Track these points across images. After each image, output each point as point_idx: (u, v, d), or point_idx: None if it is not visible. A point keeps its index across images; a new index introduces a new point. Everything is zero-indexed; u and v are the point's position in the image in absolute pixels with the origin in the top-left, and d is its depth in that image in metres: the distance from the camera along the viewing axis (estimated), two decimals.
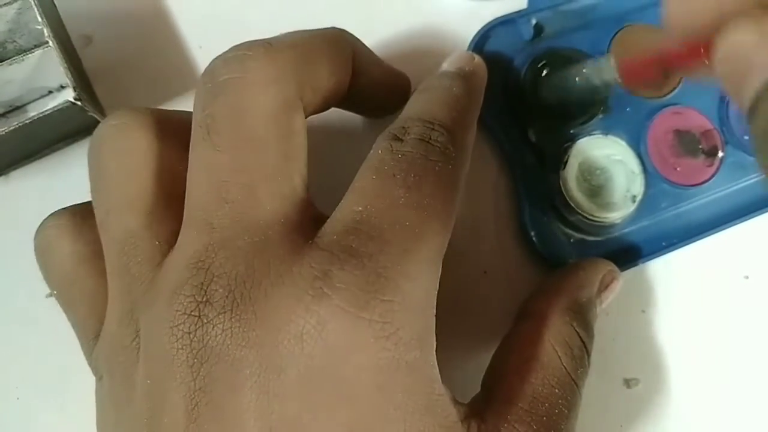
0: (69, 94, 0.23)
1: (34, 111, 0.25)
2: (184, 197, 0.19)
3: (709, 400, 0.26)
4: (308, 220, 0.18)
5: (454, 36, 0.27)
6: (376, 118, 0.23)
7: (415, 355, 0.17)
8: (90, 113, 0.24)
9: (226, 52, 0.19)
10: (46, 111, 0.22)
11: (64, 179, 0.25)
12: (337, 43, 0.21)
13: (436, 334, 0.18)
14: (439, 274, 0.18)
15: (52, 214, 0.21)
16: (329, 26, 0.21)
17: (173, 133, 0.20)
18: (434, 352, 0.18)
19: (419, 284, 0.18)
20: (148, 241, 0.19)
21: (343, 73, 0.21)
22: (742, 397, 0.26)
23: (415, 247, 0.18)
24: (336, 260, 0.17)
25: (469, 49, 0.26)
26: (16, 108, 0.26)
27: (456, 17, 0.27)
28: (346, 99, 0.21)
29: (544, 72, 0.26)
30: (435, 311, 0.18)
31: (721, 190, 0.26)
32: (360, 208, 0.18)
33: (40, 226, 0.21)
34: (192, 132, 0.19)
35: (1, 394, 0.24)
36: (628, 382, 0.26)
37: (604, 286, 0.24)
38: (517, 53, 0.26)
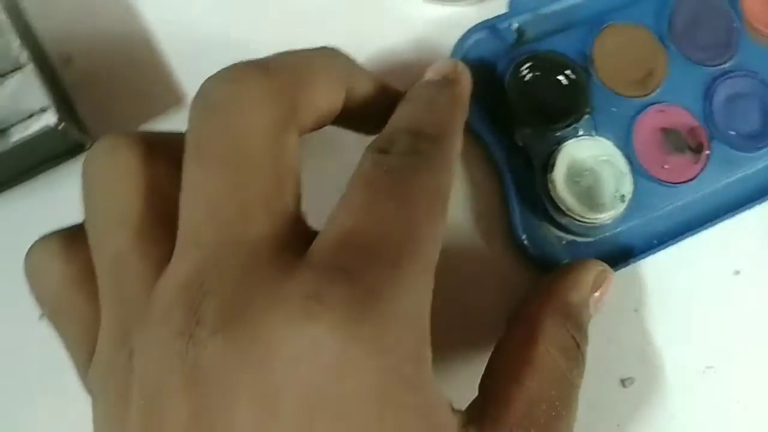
0: (50, 118, 0.23)
1: (16, 134, 0.24)
2: (177, 218, 0.18)
3: (703, 396, 0.26)
4: (300, 238, 0.18)
5: (436, 43, 0.27)
6: (370, 135, 0.23)
7: (411, 370, 0.17)
8: (72, 135, 0.24)
9: (220, 71, 0.19)
10: (27, 136, 0.22)
11: (49, 202, 0.25)
12: (331, 62, 0.21)
13: (431, 344, 0.18)
14: (432, 285, 0.18)
15: (41, 238, 0.21)
16: (322, 45, 0.21)
17: (166, 154, 0.20)
18: (430, 365, 0.18)
19: (412, 298, 0.17)
20: (140, 262, 0.18)
21: (337, 92, 0.20)
22: (736, 393, 0.26)
23: (406, 260, 0.17)
24: (325, 278, 0.17)
25: (451, 55, 0.26)
26: None
27: (437, 24, 0.27)
28: (340, 117, 0.21)
29: (528, 76, 0.26)
30: (429, 322, 0.18)
31: (710, 186, 0.27)
32: (349, 223, 0.18)
33: (29, 250, 0.21)
34: (184, 152, 0.19)
35: (2, 393, 0.24)
36: (623, 382, 0.26)
37: (597, 287, 0.24)
38: (499, 58, 0.26)
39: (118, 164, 0.19)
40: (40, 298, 0.20)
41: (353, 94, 0.21)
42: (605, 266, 0.24)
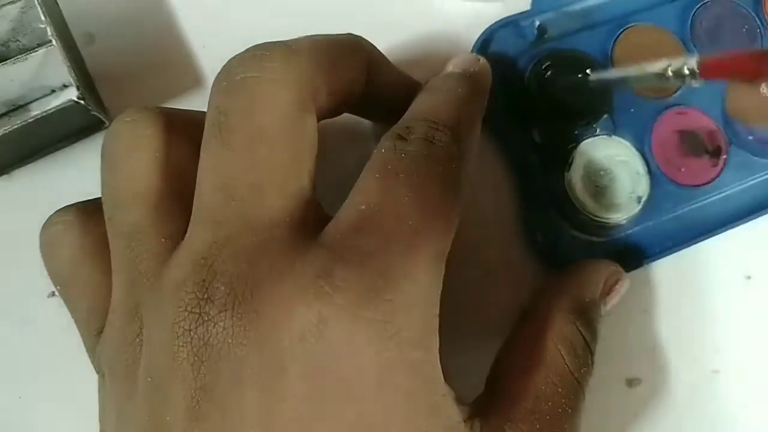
0: (72, 93, 0.23)
1: (36, 110, 0.25)
2: (193, 195, 0.19)
3: (710, 399, 0.26)
4: (314, 220, 0.18)
5: (458, 38, 0.27)
6: (387, 124, 0.24)
7: (417, 355, 0.17)
8: (93, 112, 0.24)
9: (244, 51, 0.19)
10: (48, 110, 0.22)
11: (67, 178, 0.25)
12: (354, 49, 0.21)
13: (440, 334, 0.18)
14: (443, 273, 0.18)
15: (58, 210, 0.21)
16: (346, 33, 0.21)
17: (186, 132, 0.20)
18: (437, 352, 0.18)
19: (422, 284, 0.18)
20: (154, 237, 0.18)
21: (358, 78, 0.21)
22: (744, 397, 0.26)
23: (419, 247, 0.18)
24: (338, 258, 0.17)
25: (472, 51, 0.26)
26: (18, 107, 0.26)
27: (459, 19, 0.27)
28: (359, 104, 0.21)
29: (548, 73, 0.26)
30: (438, 311, 0.18)
31: (726, 190, 0.26)
32: (363, 207, 0.18)
33: (46, 222, 0.21)
34: (204, 129, 0.19)
35: (2, 392, 0.24)
36: (630, 382, 0.26)
37: (609, 288, 0.24)
38: (520, 55, 0.26)
39: (139, 138, 0.19)
40: (53, 271, 0.21)
41: (373, 82, 0.21)
42: (618, 267, 0.24)
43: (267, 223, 0.17)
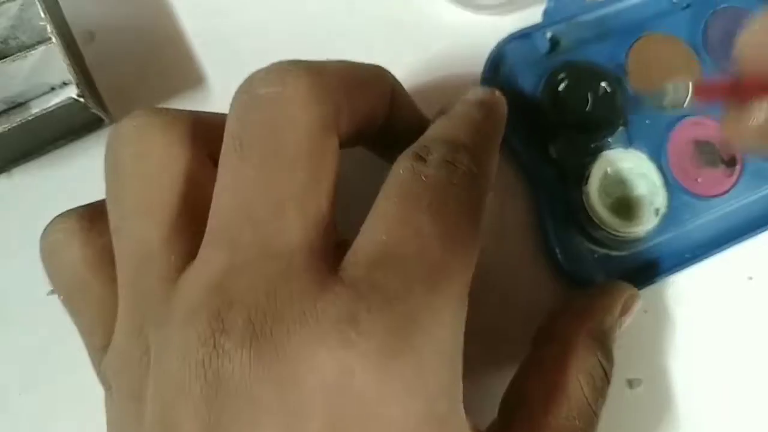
0: (72, 91, 0.23)
1: (36, 108, 0.24)
2: (206, 209, 0.18)
3: (712, 400, 0.26)
4: (332, 246, 0.18)
5: (470, 52, 0.26)
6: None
7: (444, 405, 0.17)
8: (92, 110, 0.23)
9: (268, 66, 0.18)
10: (48, 108, 0.22)
11: (67, 176, 0.25)
12: (378, 77, 0.21)
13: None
14: (466, 310, 0.18)
15: (58, 216, 0.20)
16: (372, 63, 0.21)
17: (200, 138, 0.19)
18: (461, 399, 0.17)
19: (448, 327, 0.17)
20: (164, 254, 0.18)
21: (380, 108, 0.20)
22: (745, 398, 0.26)
23: (443, 284, 0.17)
24: (362, 300, 0.16)
25: (486, 64, 0.26)
26: (18, 105, 0.25)
27: (471, 33, 0.27)
28: (375, 138, 0.21)
29: (562, 86, 0.26)
30: (462, 355, 0.18)
31: (743, 199, 0.26)
32: (384, 237, 0.17)
33: (46, 229, 0.20)
34: (223, 143, 0.18)
35: (2, 392, 0.24)
36: (630, 383, 0.26)
37: (626, 311, 0.23)
38: (533, 67, 0.26)
39: (150, 146, 0.18)
40: (56, 279, 0.20)
41: (394, 115, 0.21)
42: (635, 290, 0.24)
43: (286, 248, 0.17)
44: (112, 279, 0.19)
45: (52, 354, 0.24)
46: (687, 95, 0.22)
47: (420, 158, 0.19)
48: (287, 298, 0.16)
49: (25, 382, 0.24)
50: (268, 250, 0.17)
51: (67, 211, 0.20)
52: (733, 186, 0.26)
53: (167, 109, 0.19)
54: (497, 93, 0.23)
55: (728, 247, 0.26)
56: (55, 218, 0.20)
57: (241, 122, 0.18)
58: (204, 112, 0.20)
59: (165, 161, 0.18)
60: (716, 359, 0.26)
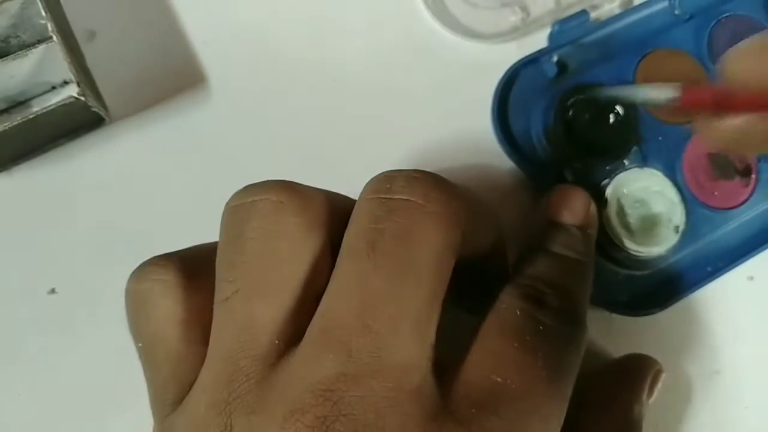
0: (72, 90, 0.22)
1: (37, 106, 0.24)
2: (318, 297, 0.18)
3: (712, 400, 0.27)
4: (434, 369, 0.18)
5: (477, 81, 0.26)
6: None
7: None
8: (93, 109, 0.23)
9: (406, 171, 0.18)
10: (49, 106, 0.22)
11: (67, 175, 0.25)
12: (494, 218, 0.21)
13: None
14: None
15: (154, 263, 0.19)
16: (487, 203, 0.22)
17: (329, 225, 0.18)
18: None
19: None
20: (270, 336, 0.17)
21: (487, 246, 0.20)
22: (745, 397, 0.27)
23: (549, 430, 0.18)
24: None
25: (495, 93, 0.26)
26: (19, 103, 0.25)
27: (478, 63, 0.27)
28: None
29: (573, 110, 0.26)
30: None
31: (760, 207, 0.27)
32: (499, 379, 0.17)
33: (140, 271, 0.19)
34: (352, 239, 0.18)
35: (1, 391, 0.24)
36: None
37: (653, 387, 0.24)
38: (543, 92, 0.26)
39: (283, 226, 0.18)
40: (140, 328, 0.19)
41: (489, 258, 0.21)
42: (659, 364, 0.25)
43: (398, 367, 0.17)
44: (199, 341, 0.18)
45: (52, 353, 0.24)
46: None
47: (535, 302, 0.19)
48: (396, 422, 0.16)
49: (25, 381, 0.24)
50: (382, 365, 0.16)
51: (164, 257, 0.19)
52: (749, 196, 0.26)
53: (302, 187, 0.19)
54: (593, 207, 0.24)
55: (750, 257, 0.26)
56: (149, 263, 0.19)
57: (376, 224, 0.17)
58: (331, 192, 0.19)
59: (296, 247, 0.18)
60: (717, 359, 0.27)
